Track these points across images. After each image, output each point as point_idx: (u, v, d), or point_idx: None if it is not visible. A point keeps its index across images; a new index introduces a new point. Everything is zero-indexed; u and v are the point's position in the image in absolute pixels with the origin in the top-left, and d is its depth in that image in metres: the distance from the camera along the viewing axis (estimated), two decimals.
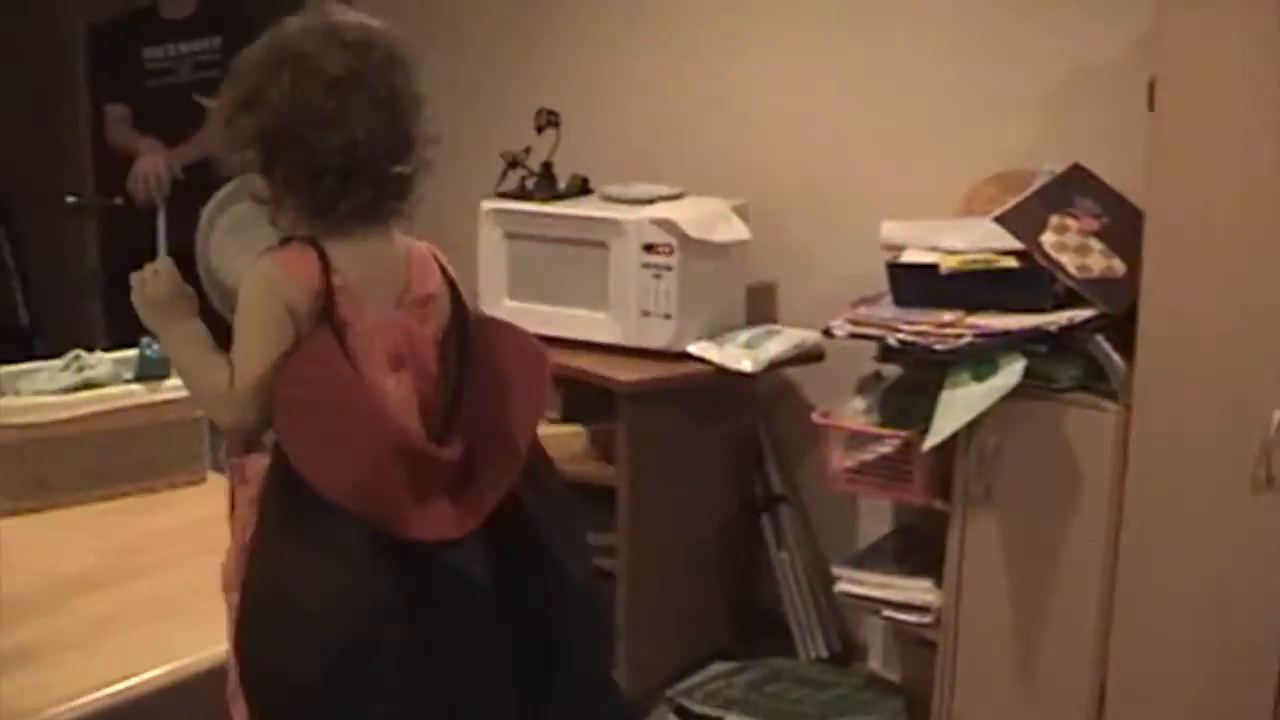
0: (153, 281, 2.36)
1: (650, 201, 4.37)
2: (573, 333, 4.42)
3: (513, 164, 4.59)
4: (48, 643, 2.76)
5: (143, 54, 5.37)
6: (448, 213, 5.25)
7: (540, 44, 5.06)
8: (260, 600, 2.16)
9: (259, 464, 2.23)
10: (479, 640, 2.22)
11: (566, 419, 4.48)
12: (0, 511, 3.36)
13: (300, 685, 2.12)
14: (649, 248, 4.26)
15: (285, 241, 2.25)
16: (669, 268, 4.25)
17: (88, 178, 6.08)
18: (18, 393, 3.44)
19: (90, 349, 3.52)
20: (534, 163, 4.58)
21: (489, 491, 2.25)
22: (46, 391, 3.41)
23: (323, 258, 2.18)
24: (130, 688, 2.57)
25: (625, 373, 4.27)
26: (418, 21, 5.46)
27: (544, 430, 4.23)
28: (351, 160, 2.17)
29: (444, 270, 2.35)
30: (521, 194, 4.56)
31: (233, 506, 2.31)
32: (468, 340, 2.31)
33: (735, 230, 4.37)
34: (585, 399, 4.43)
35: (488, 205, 4.56)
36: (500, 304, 4.54)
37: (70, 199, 5.74)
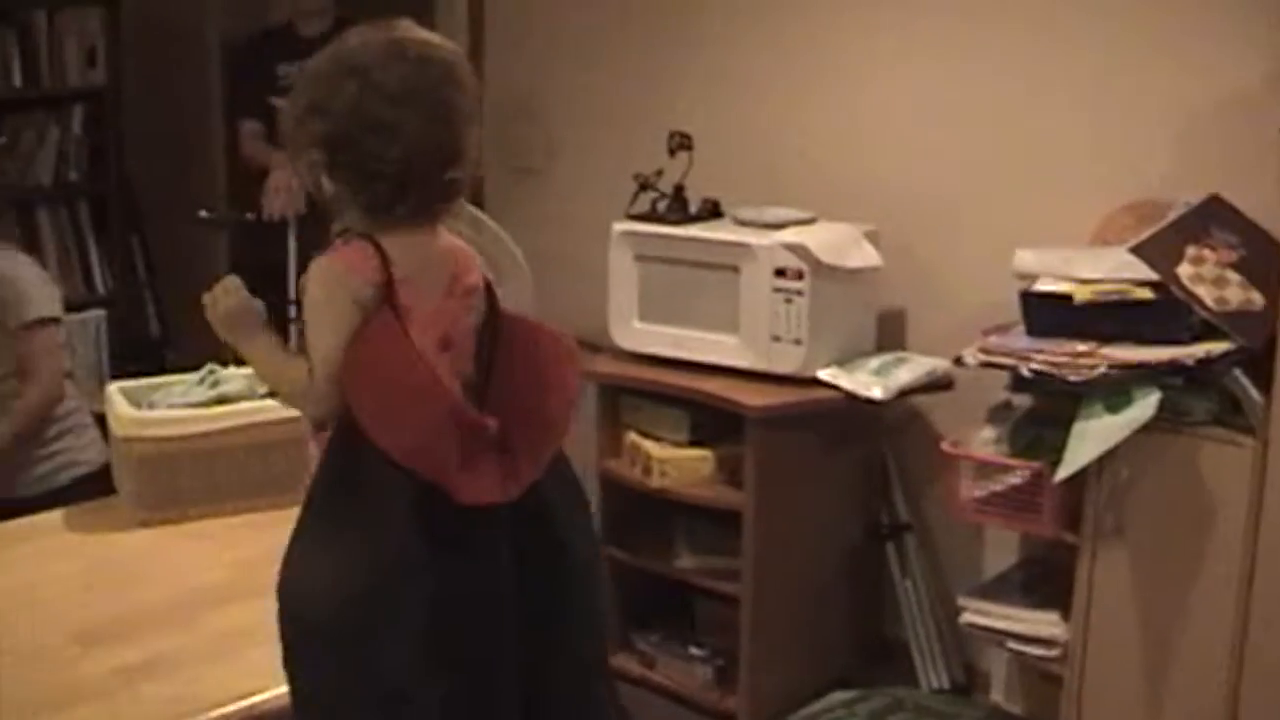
0: (223, 298, 2.53)
1: (782, 226, 4.36)
2: (702, 356, 4.42)
3: (644, 186, 4.60)
4: (179, 655, 2.80)
5: (277, 70, 5.43)
6: (579, 233, 5.31)
7: (674, 67, 5.07)
8: (302, 542, 2.40)
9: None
10: (493, 600, 2.40)
11: (694, 443, 4.46)
12: (134, 523, 3.41)
13: (316, 616, 2.35)
14: (780, 272, 4.25)
15: (340, 236, 2.44)
16: (800, 293, 4.24)
17: (221, 192, 6.15)
18: (153, 406, 3.49)
19: (224, 363, 3.56)
20: (666, 185, 4.58)
21: (527, 462, 2.45)
22: (181, 405, 3.46)
23: (380, 252, 2.36)
24: (261, 702, 2.60)
25: (754, 397, 4.26)
26: (551, 45, 5.51)
27: (672, 453, 4.31)
28: (406, 168, 2.34)
29: (485, 276, 2.54)
30: (653, 216, 4.56)
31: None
32: (499, 330, 2.48)
33: (867, 256, 4.35)
34: (713, 423, 4.42)
35: (619, 227, 4.56)
36: (630, 325, 4.55)
37: (203, 213, 5.80)
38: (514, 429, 2.43)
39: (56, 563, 3.35)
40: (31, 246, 5.94)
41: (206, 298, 2.54)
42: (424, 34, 2.42)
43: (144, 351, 6.27)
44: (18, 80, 5.85)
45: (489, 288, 2.52)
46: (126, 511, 3.43)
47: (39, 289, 4.25)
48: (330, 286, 2.36)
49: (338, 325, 2.35)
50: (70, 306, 5.92)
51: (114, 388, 3.54)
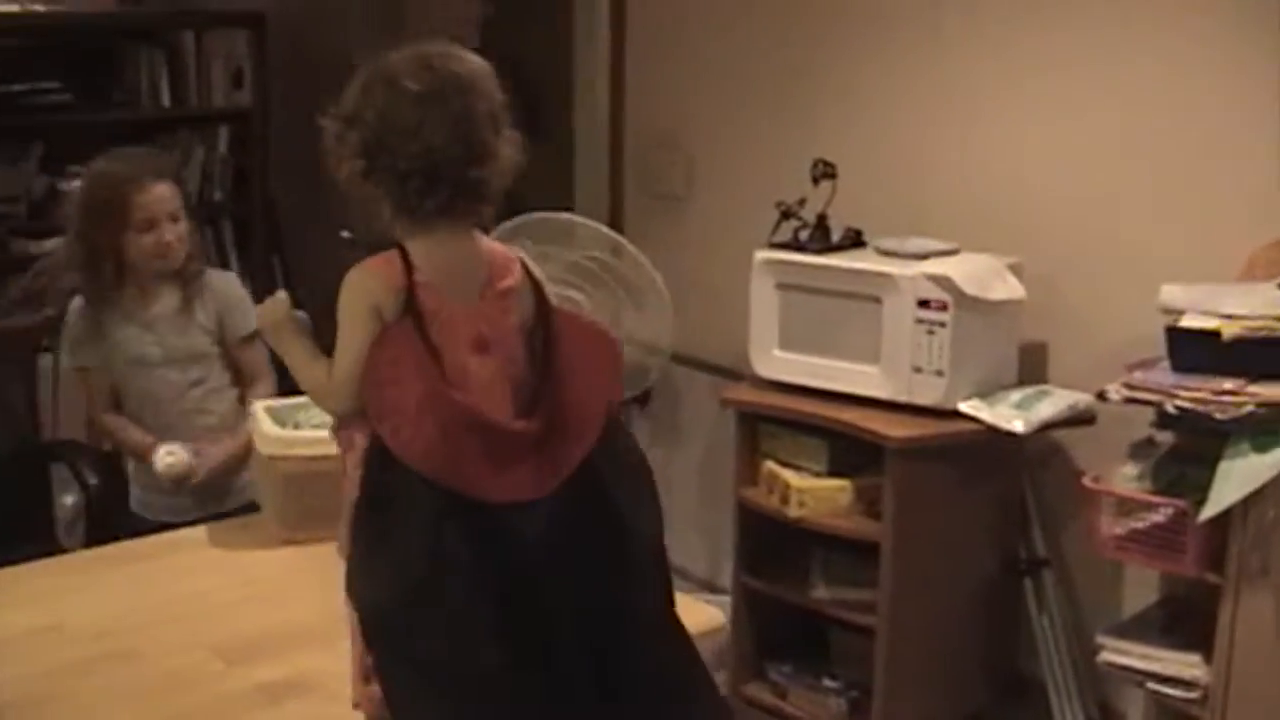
0: (271, 310, 2.77)
1: (925, 257, 4.33)
2: (842, 386, 4.40)
3: (787, 214, 4.58)
4: (321, 674, 2.82)
5: None
6: (719, 260, 5.32)
7: (819, 96, 5.06)
8: (358, 549, 2.52)
9: (364, 434, 2.55)
10: (541, 589, 2.49)
11: (833, 473, 4.43)
12: (277, 541, 3.44)
13: (382, 613, 2.48)
14: (923, 303, 4.22)
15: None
16: (943, 324, 4.21)
17: (362, 213, 6.17)
18: (297, 425, 3.52)
19: None
20: (808, 214, 4.57)
21: (565, 459, 2.54)
22: (326, 425, 3.48)
23: (405, 259, 2.51)
24: None
25: (895, 428, 4.24)
26: (692, 72, 5.52)
27: (811, 483, 4.29)
28: (432, 164, 2.48)
29: (529, 271, 2.65)
30: (795, 245, 4.55)
31: (345, 471, 2.64)
32: (550, 331, 2.60)
33: (1010, 288, 4.32)
34: (852, 453, 4.39)
35: (761, 255, 4.55)
36: (770, 354, 4.54)
37: (345, 234, 5.83)
38: (557, 426, 2.55)
39: (200, 578, 3.40)
40: None
41: (258, 309, 2.81)
42: (454, 50, 2.58)
43: (282, 371, 6.31)
44: (166, 101, 5.94)
45: (539, 290, 2.64)
46: (270, 529, 3.47)
47: (251, 303, 4.35)
48: (353, 293, 2.51)
49: (355, 330, 2.50)
50: None
51: (259, 406, 3.59)
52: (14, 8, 5.66)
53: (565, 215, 5.21)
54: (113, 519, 4.26)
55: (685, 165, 5.57)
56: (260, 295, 6.06)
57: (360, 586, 2.52)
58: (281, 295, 2.80)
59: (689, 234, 5.55)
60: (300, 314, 2.82)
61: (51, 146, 5.73)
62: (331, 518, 3.06)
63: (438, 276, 2.51)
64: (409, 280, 2.49)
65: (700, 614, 3.30)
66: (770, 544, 4.65)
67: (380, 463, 2.49)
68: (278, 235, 6.22)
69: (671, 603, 2.71)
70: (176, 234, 4.05)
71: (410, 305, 2.49)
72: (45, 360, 5.55)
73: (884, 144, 4.87)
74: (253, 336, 4.26)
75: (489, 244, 2.63)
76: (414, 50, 2.55)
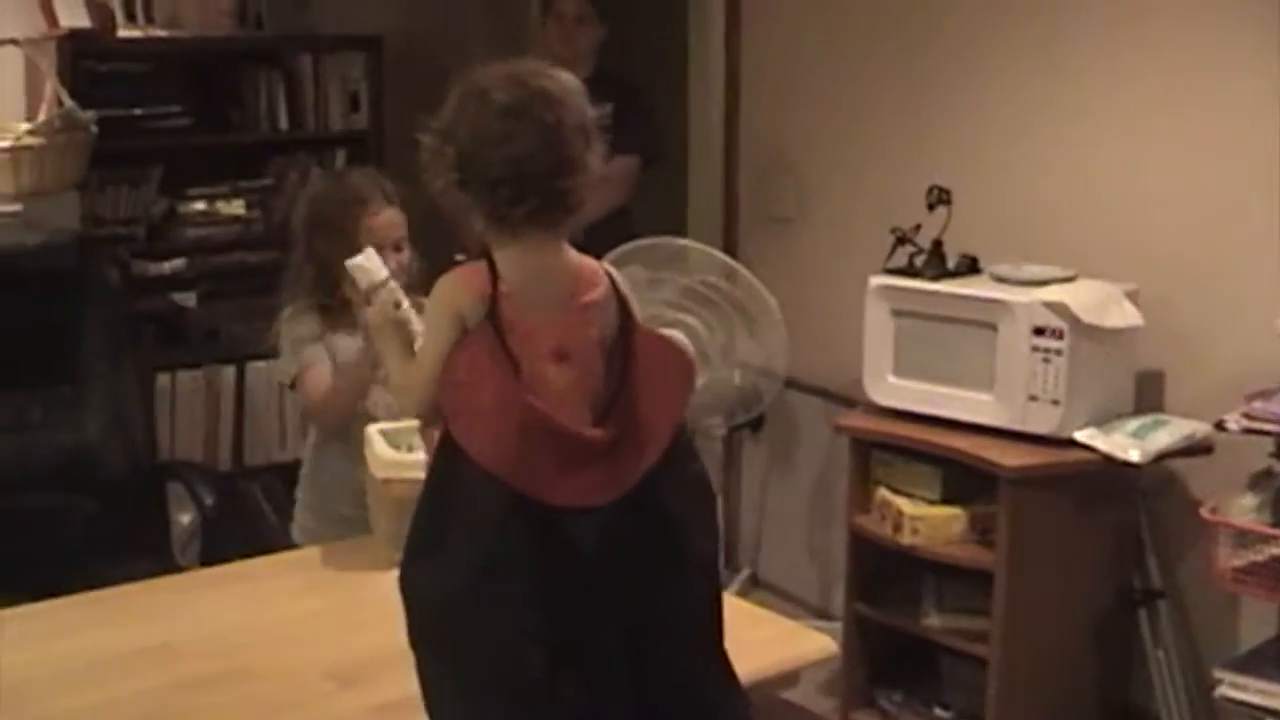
0: (378, 308, 3.08)
1: (1041, 283, 4.31)
2: (956, 413, 4.39)
3: (902, 240, 4.57)
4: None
5: None
6: (831, 285, 5.31)
7: (934, 120, 5.04)
8: (417, 543, 2.62)
9: None
10: (590, 596, 2.57)
11: (946, 500, 4.41)
12: (389, 564, 3.44)
13: (432, 610, 2.58)
14: (1039, 331, 4.20)
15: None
16: (1059, 352, 4.18)
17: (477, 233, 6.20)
18: (410, 448, 3.53)
19: None
20: (922, 239, 4.55)
21: (630, 471, 2.61)
22: None
23: (492, 270, 2.58)
24: None
25: (1009, 457, 4.22)
26: (805, 97, 5.52)
27: (924, 511, 4.28)
28: (521, 173, 2.54)
29: (616, 287, 2.69)
30: (910, 271, 4.54)
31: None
32: (630, 346, 2.66)
33: (1127, 316, 4.28)
34: (966, 481, 4.37)
35: (876, 281, 4.55)
36: (884, 380, 4.53)
37: (459, 256, 5.86)
38: (626, 438, 2.62)
39: (313, 598, 3.42)
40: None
41: (369, 310, 3.10)
42: (544, 67, 2.66)
43: None
44: (284, 123, 5.98)
45: (624, 305, 2.69)
46: (382, 551, 3.49)
47: None
48: (439, 299, 2.61)
49: (438, 333, 2.60)
50: None
51: (373, 429, 3.60)
52: (137, 32, 5.72)
53: (678, 240, 5.23)
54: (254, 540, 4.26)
55: (798, 188, 5.57)
56: None
57: (414, 581, 2.61)
58: (387, 295, 3.06)
59: (801, 258, 5.54)
60: (412, 313, 3.00)
61: (171, 169, 5.78)
62: None
63: (521, 287, 2.58)
64: (493, 290, 2.57)
65: (812, 642, 3.29)
66: (882, 571, 4.63)
67: (448, 460, 2.58)
68: None
69: (719, 625, 2.76)
70: (399, 262, 3.94)
71: (491, 313, 2.56)
72: (163, 379, 5.62)
73: (999, 169, 4.84)
74: None
75: (577, 257, 2.69)
76: (505, 67, 2.63)
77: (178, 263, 5.82)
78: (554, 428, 2.54)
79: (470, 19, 6.67)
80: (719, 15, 5.76)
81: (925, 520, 4.39)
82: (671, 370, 2.72)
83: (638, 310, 2.71)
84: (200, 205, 5.86)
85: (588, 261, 2.70)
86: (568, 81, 2.65)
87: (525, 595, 2.52)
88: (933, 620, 4.54)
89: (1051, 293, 4.24)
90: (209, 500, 4.61)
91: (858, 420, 4.63)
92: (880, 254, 4.63)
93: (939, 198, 4.51)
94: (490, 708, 2.55)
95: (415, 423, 3.33)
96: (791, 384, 5.35)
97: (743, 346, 5.11)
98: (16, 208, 5.19)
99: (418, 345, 2.84)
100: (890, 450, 4.55)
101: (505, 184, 2.54)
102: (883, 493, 4.52)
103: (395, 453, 3.50)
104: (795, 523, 5.69)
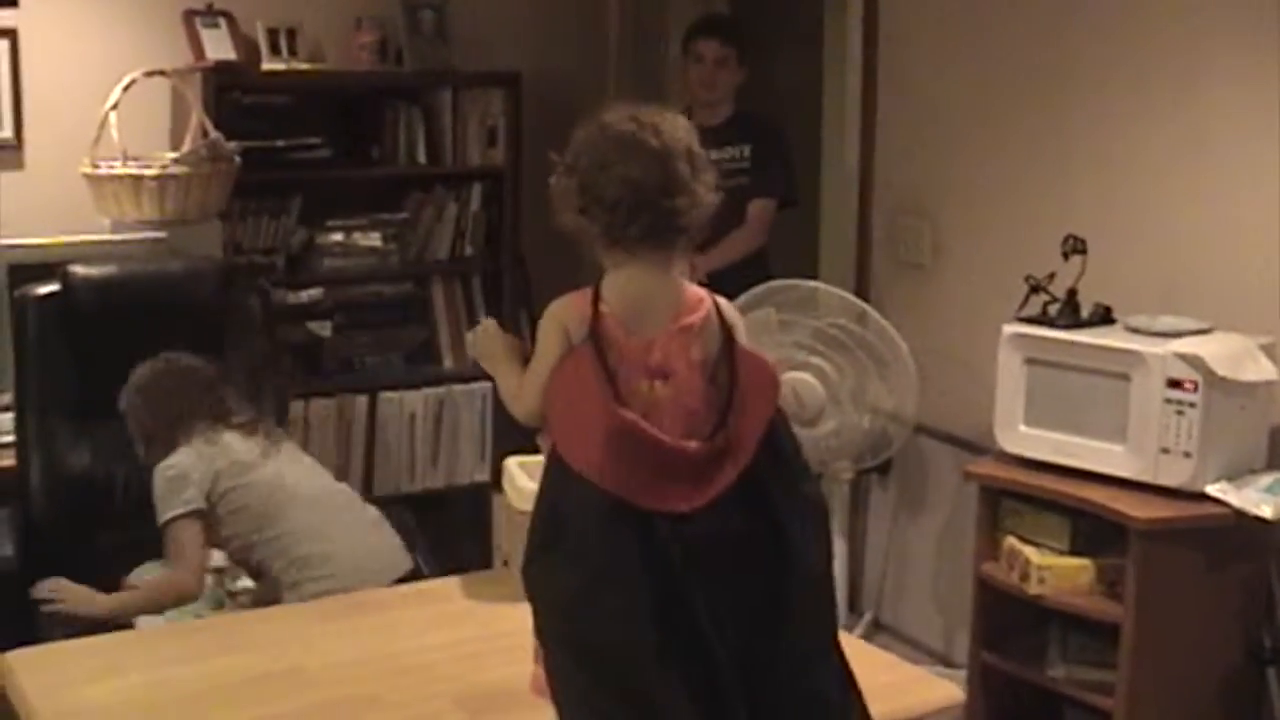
0: (484, 338, 3.12)
1: (1176, 335, 4.28)
2: (1086, 463, 4.36)
3: (1036, 289, 4.57)
4: None
5: None
6: (962, 331, 5.30)
7: (1069, 169, 5.01)
8: (536, 545, 2.81)
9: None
10: (695, 600, 2.69)
11: (1074, 551, 4.38)
12: (523, 596, 3.47)
13: (550, 608, 2.79)
14: (1174, 383, 4.18)
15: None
16: (1193, 404, 4.16)
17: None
18: None
19: None
20: (1056, 288, 4.54)
21: (721, 477, 2.77)
22: None
23: (596, 294, 2.80)
24: None
25: (1140, 509, 4.18)
26: (945, 142, 5.51)
27: (1052, 561, 4.26)
28: (635, 192, 2.77)
29: (721, 313, 2.89)
30: (1044, 320, 4.52)
31: None
32: (734, 367, 2.84)
33: (1262, 369, 4.24)
34: (1094, 532, 4.34)
35: (1010, 329, 4.54)
36: (1015, 429, 4.51)
37: None
38: (725, 450, 2.78)
39: (444, 630, 3.45)
40: (425, 318, 6.16)
41: (468, 336, 3.21)
42: (657, 109, 2.88)
43: (524, 426, 6.40)
44: (422, 158, 6.05)
45: (726, 326, 2.87)
46: (517, 583, 3.52)
47: None
48: (548, 319, 2.84)
49: (546, 348, 2.83)
50: (458, 377, 6.16)
51: (513, 461, 3.64)
52: (280, 65, 5.81)
53: (810, 282, 5.23)
54: None
55: (932, 234, 5.56)
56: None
57: (534, 580, 2.81)
58: (490, 324, 3.16)
59: (932, 303, 5.54)
60: (510, 337, 3.12)
61: (310, 200, 5.86)
62: None
63: (624, 309, 2.80)
64: (594, 311, 2.78)
65: (938, 689, 3.29)
66: (1008, 620, 4.60)
67: (558, 467, 2.78)
68: (527, 290, 6.29)
69: (832, 634, 2.89)
70: None
71: (593, 332, 2.77)
72: (296, 407, 5.68)
73: (1134, 219, 4.80)
74: None
75: (682, 283, 2.89)
76: (630, 110, 2.86)
77: (315, 292, 5.92)
78: (646, 438, 2.73)
79: (608, 58, 6.71)
80: (856, 58, 5.77)
81: (1053, 570, 4.36)
82: (764, 386, 2.87)
83: (742, 335, 2.89)
84: (338, 236, 5.94)
85: (693, 288, 2.91)
86: (676, 118, 2.88)
87: (633, 597, 2.68)
88: (1058, 671, 4.50)
89: (1186, 345, 4.21)
90: None
91: (988, 468, 4.62)
92: (1011, 302, 4.62)
93: (1074, 247, 4.49)
94: (606, 703, 2.71)
95: None
96: (920, 429, 5.34)
97: (873, 390, 5.11)
98: (162, 234, 5.29)
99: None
100: (1019, 499, 4.52)
101: (622, 204, 2.77)
102: (1011, 541, 4.50)
103: (533, 484, 3.53)
104: (920, 568, 5.68)
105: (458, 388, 6.17)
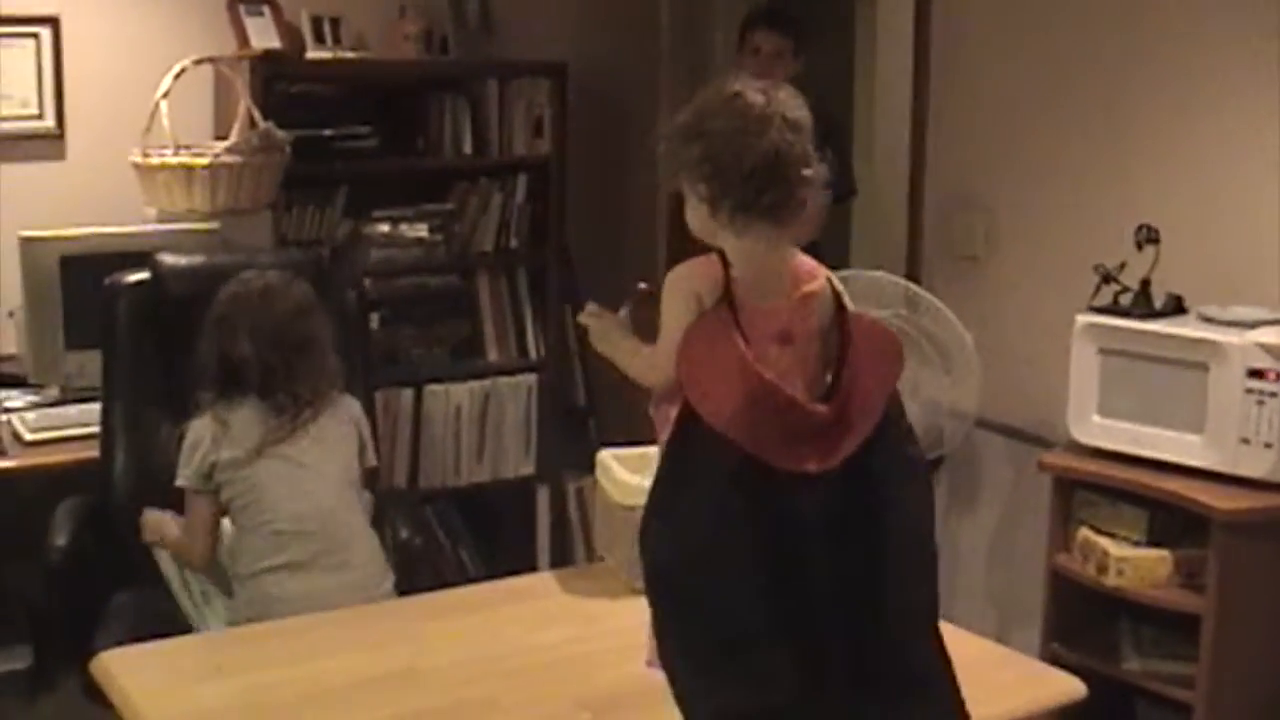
0: (596, 322, 3.20)
1: (1254, 325, 4.26)
2: (1164, 454, 4.35)
3: (1107, 279, 4.54)
4: None
5: None
6: (1020, 324, 5.26)
7: (1134, 158, 4.97)
8: (655, 508, 2.84)
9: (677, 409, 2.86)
10: (810, 563, 2.76)
11: (1153, 543, 4.36)
12: (627, 590, 3.45)
13: (666, 568, 2.79)
14: (1255, 373, 4.16)
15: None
16: (1274, 394, 4.13)
17: (660, 265, 6.17)
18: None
19: None
20: (1127, 278, 4.51)
21: (846, 442, 2.81)
22: None
23: (724, 261, 2.86)
24: None
25: (1221, 500, 4.16)
26: (999, 132, 5.47)
27: (1130, 552, 4.23)
28: (776, 161, 2.80)
29: (831, 283, 2.96)
30: (1117, 310, 4.50)
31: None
32: (846, 332, 2.89)
33: None
34: (1173, 524, 4.33)
35: (1083, 320, 4.51)
36: (1089, 420, 4.49)
37: (642, 285, 5.85)
38: (846, 414, 2.82)
39: (551, 628, 3.43)
40: (470, 310, 6.11)
41: (582, 318, 3.24)
42: (785, 89, 2.91)
43: (570, 419, 6.37)
44: (468, 148, 6.01)
45: (839, 299, 2.94)
46: (618, 578, 3.49)
47: None
48: (678, 283, 2.87)
49: (677, 313, 2.85)
50: (503, 370, 6.12)
51: (608, 454, 3.61)
52: (326, 54, 5.76)
53: (871, 272, 5.20)
54: None
55: (986, 226, 5.52)
56: (553, 346, 6.15)
57: (651, 544, 2.82)
58: (593, 306, 3.24)
59: (987, 295, 5.49)
60: (617, 316, 3.21)
61: (355, 191, 5.81)
62: None
63: (750, 276, 2.86)
64: (725, 275, 2.84)
65: (1059, 684, 3.26)
66: (1081, 612, 4.59)
67: (686, 429, 2.80)
68: (572, 283, 6.24)
69: (935, 602, 2.94)
70: None
71: (727, 294, 2.83)
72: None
73: (1205, 208, 4.77)
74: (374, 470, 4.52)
75: (799, 256, 2.96)
76: (748, 80, 2.90)
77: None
78: (782, 399, 2.77)
79: (655, 48, 6.66)
80: (907, 48, 5.74)
81: (1131, 562, 4.34)
82: (884, 350, 2.92)
83: (849, 302, 2.95)
84: (384, 227, 5.88)
85: (806, 259, 2.97)
86: (796, 94, 2.91)
87: (750, 558, 2.72)
88: (1133, 664, 4.48)
89: (1268, 334, 4.19)
90: (404, 532, 4.62)
91: (1062, 459, 4.59)
92: (1070, 293, 4.61)
93: (1148, 236, 4.47)
94: (710, 665, 2.74)
95: (650, 450, 3.36)
96: (975, 422, 5.31)
97: (933, 383, 5.08)
98: (214, 225, 5.25)
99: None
100: (1094, 490, 4.50)
101: (759, 172, 2.80)
102: (1085, 533, 4.48)
103: (633, 477, 3.50)
104: (972, 560, 5.64)
105: (503, 380, 6.13)
